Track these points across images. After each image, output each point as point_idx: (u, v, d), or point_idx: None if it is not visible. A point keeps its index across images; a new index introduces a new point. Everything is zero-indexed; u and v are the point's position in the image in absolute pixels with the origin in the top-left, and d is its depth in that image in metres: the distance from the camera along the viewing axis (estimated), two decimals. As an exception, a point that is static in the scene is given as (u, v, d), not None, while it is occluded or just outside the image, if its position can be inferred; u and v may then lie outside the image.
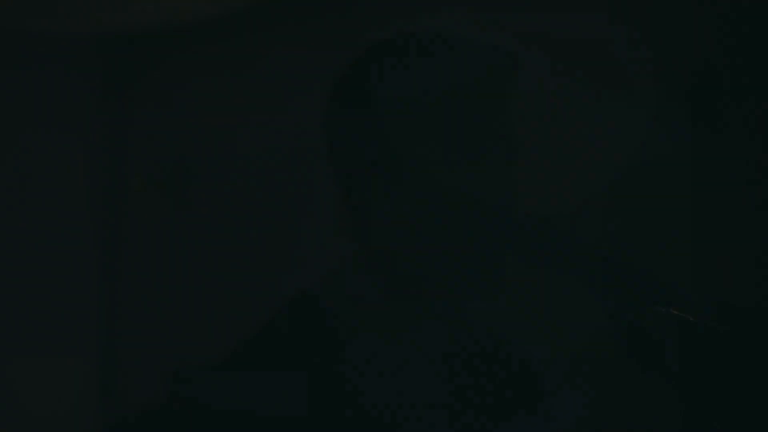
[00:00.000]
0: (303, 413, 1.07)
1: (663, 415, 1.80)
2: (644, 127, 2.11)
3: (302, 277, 1.26)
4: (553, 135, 2.23)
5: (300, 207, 3.13)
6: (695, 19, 2.15)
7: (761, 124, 2.02)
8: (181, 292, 3.53)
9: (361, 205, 1.19)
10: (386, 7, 2.50)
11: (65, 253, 3.69)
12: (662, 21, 2.18)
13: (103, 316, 3.74)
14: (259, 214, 3.32)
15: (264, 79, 3.33)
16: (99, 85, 3.80)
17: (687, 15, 2.16)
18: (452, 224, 1.15)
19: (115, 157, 3.81)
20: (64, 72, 3.71)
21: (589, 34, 2.25)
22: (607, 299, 1.09)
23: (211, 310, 3.36)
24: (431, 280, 1.18)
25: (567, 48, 2.27)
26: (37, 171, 3.64)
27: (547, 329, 2.25)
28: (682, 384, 1.05)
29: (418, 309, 1.18)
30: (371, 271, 1.18)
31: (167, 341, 3.43)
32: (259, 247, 3.32)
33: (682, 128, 2.09)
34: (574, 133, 2.22)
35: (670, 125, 2.11)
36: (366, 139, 1.17)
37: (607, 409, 2.05)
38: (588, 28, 2.25)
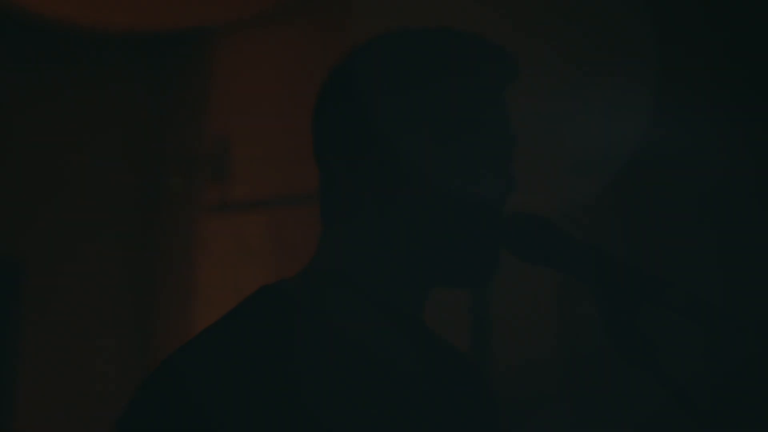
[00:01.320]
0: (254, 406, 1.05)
1: (654, 414, 1.79)
2: (646, 125, 2.09)
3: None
4: (552, 133, 2.21)
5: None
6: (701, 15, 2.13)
7: (761, 123, 1.99)
8: (218, 290, 3.55)
9: (344, 202, 1.19)
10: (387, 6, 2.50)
11: (103, 248, 3.72)
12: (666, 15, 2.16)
13: (139, 311, 3.77)
14: (294, 211, 3.33)
15: (298, 77, 3.33)
16: (136, 85, 3.82)
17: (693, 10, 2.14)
18: (441, 222, 1.15)
19: (152, 155, 3.84)
20: (99, 70, 3.74)
21: (593, 30, 2.23)
22: (601, 297, 1.09)
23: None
24: (410, 276, 1.18)
25: (569, 44, 2.25)
26: (76, 170, 3.67)
27: (538, 328, 2.24)
28: (673, 382, 1.05)
29: (384, 313, 1.18)
30: (345, 269, 1.18)
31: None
32: (294, 245, 3.32)
33: (685, 126, 2.07)
34: (575, 131, 2.20)
35: (673, 122, 2.08)
36: (354, 137, 1.17)
37: (598, 408, 2.03)
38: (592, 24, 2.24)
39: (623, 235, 2.07)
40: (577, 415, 2.13)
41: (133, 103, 3.83)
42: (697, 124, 2.03)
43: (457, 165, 1.15)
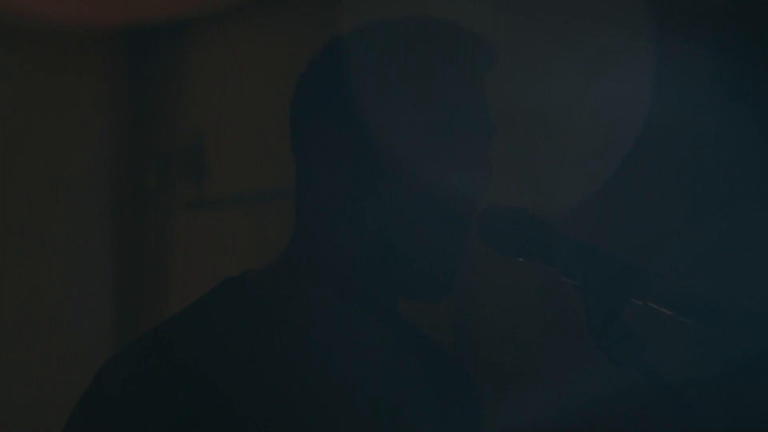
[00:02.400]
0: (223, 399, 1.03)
1: (640, 410, 1.77)
2: (645, 119, 2.08)
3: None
4: (547, 129, 2.20)
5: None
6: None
7: (762, 122, 1.98)
8: (194, 289, 3.52)
9: (322, 199, 1.16)
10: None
11: (75, 249, 3.68)
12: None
13: (112, 312, 3.74)
14: (272, 208, 3.31)
15: (276, 71, 3.31)
16: (109, 80, 3.79)
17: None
18: (415, 220, 1.14)
19: (126, 151, 3.81)
20: (72, 68, 3.71)
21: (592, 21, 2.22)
22: (585, 290, 1.07)
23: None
24: (381, 278, 1.16)
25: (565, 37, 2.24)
26: (47, 168, 3.64)
27: (520, 324, 2.22)
28: (658, 379, 1.02)
29: (356, 308, 1.16)
30: (314, 263, 1.17)
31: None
32: (273, 242, 3.28)
33: (684, 121, 2.05)
34: (570, 126, 2.19)
35: (672, 118, 2.07)
36: (331, 130, 1.15)
37: (583, 406, 2.02)
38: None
39: (621, 231, 2.06)
40: (558, 412, 2.12)
41: (108, 97, 3.79)
42: (697, 119, 2.02)
43: (437, 159, 1.13)
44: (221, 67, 3.56)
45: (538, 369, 2.20)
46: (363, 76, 1.14)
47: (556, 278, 1.10)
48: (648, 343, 1.03)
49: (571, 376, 2.06)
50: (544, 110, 2.16)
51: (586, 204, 2.10)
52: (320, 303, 1.15)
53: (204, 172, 3.57)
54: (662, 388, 1.03)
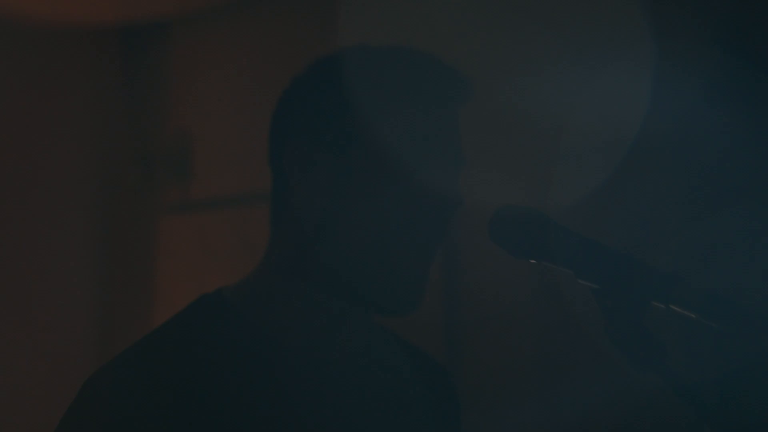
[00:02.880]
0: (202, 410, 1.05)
1: (659, 416, 1.76)
2: (645, 118, 2.08)
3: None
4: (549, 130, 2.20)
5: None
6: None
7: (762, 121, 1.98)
8: (180, 291, 3.50)
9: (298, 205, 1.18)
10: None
11: (61, 248, 3.65)
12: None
13: (99, 312, 3.71)
14: (258, 210, 3.28)
15: (264, 72, 3.30)
16: (93, 80, 3.76)
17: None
18: (391, 229, 1.16)
19: (111, 152, 3.78)
20: (58, 66, 3.68)
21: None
22: (605, 294, 1.04)
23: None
24: (355, 288, 1.17)
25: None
26: (34, 167, 3.61)
27: (517, 329, 2.21)
28: (680, 383, 1.00)
29: (332, 314, 1.17)
30: (289, 274, 1.18)
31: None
32: (259, 244, 3.26)
33: (684, 118, 2.06)
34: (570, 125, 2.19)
35: (672, 115, 2.07)
36: (307, 145, 1.18)
37: (603, 411, 2.01)
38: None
39: (624, 231, 2.06)
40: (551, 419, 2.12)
41: (91, 97, 3.76)
42: (697, 116, 2.02)
43: (409, 178, 1.16)
44: (208, 68, 3.54)
45: (534, 373, 2.19)
46: (343, 96, 1.17)
47: (564, 280, 1.09)
48: (670, 346, 1.01)
49: (568, 381, 2.06)
50: (544, 110, 2.16)
51: (587, 204, 2.09)
52: (295, 316, 1.16)
53: (190, 174, 3.55)
54: (684, 392, 1.01)
